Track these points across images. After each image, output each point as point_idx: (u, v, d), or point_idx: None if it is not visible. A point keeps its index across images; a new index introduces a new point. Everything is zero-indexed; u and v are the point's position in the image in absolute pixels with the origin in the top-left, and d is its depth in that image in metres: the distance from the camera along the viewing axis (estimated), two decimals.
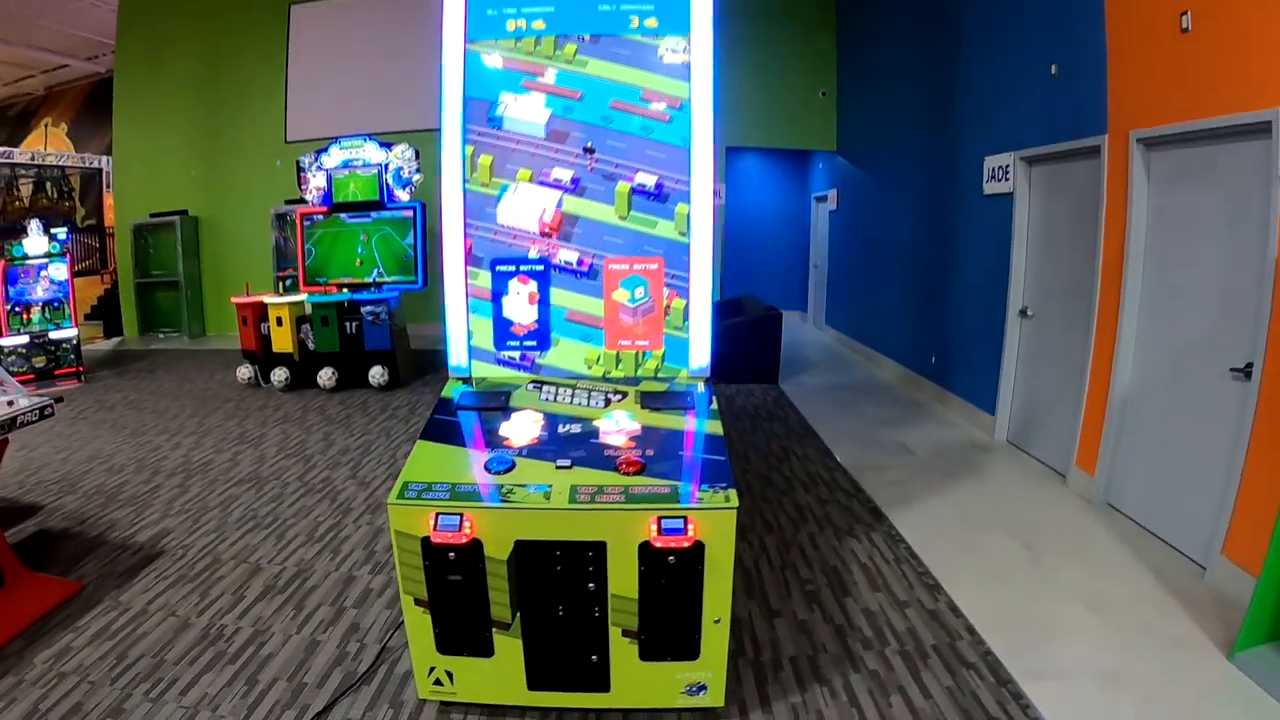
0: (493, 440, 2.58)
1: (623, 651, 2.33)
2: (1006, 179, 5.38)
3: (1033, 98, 5.08)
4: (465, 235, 2.98)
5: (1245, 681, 2.66)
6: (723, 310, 8.87)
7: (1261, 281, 3.14)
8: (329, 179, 7.77)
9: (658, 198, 2.94)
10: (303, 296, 7.54)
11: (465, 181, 2.97)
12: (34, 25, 13.45)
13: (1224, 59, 3.38)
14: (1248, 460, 3.20)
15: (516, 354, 3.04)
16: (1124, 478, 4.16)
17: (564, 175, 2.98)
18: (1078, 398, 4.48)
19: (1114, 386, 4.18)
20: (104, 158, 16.76)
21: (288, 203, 9.63)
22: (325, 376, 7.29)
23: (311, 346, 7.38)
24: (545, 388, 2.93)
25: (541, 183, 2.98)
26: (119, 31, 11.68)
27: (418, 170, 7.79)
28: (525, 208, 2.99)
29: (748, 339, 7.75)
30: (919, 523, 4.05)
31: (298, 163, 8.00)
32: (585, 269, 2.99)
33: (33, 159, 17.01)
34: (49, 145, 18.60)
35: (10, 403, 3.12)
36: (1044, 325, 5.09)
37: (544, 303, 3.00)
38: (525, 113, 2.97)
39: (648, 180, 2.93)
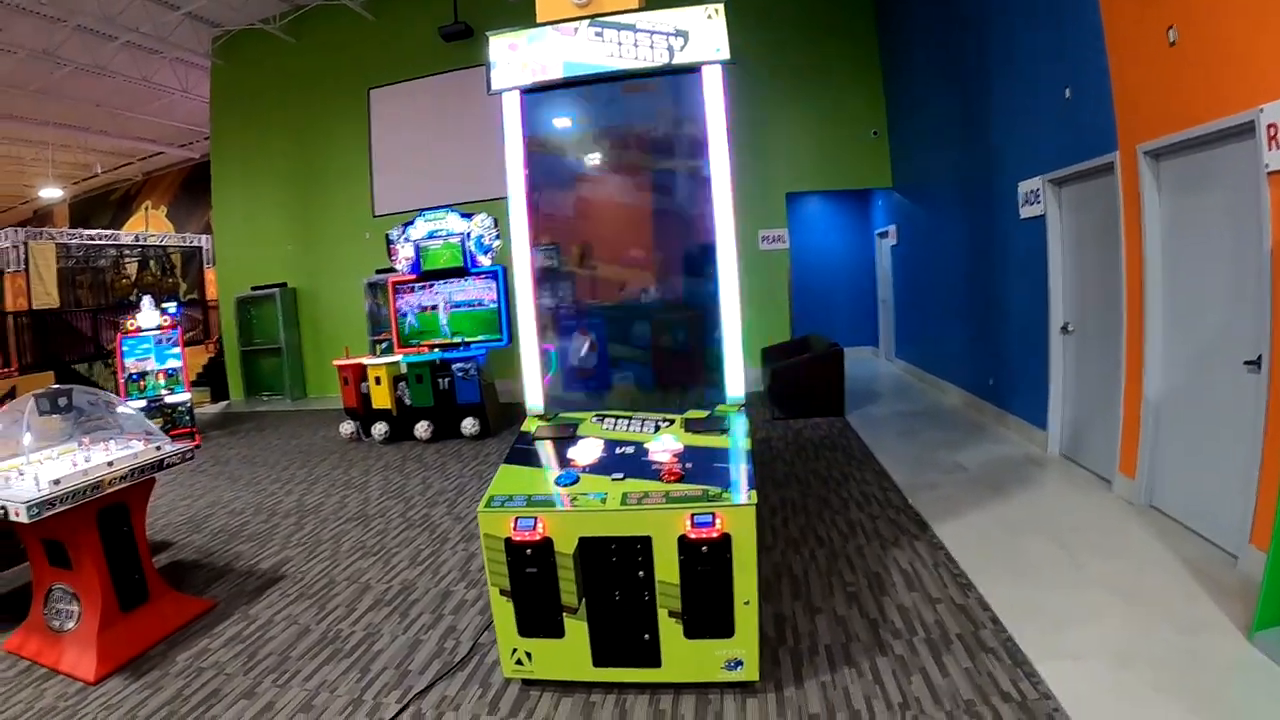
0: (562, 462, 3.10)
1: (670, 630, 2.75)
2: (1038, 202, 5.64)
3: (1052, 122, 5.35)
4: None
5: (1263, 660, 2.79)
6: (789, 349, 9.20)
7: (1261, 274, 3.34)
8: (416, 249, 8.54)
9: None
10: (398, 357, 8.25)
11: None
12: (129, 117, 15.07)
13: (1208, 67, 3.60)
14: (1265, 448, 3.35)
15: (583, 394, 3.62)
16: (1163, 478, 4.31)
17: None
18: (1116, 405, 4.66)
19: (1146, 390, 4.36)
20: (203, 236, 18.38)
21: (379, 272, 10.44)
22: (421, 429, 7.97)
23: (408, 402, 8.07)
24: (607, 418, 3.45)
25: None
26: (213, 120, 12.78)
27: (497, 236, 8.45)
28: None
29: (812, 375, 8.02)
30: (961, 531, 4.31)
31: (387, 235, 8.79)
32: None
33: (136, 240, 18.75)
34: (150, 226, 20.39)
35: (159, 448, 3.80)
36: (1084, 339, 5.29)
37: (602, 349, 3.58)
38: None
39: None
